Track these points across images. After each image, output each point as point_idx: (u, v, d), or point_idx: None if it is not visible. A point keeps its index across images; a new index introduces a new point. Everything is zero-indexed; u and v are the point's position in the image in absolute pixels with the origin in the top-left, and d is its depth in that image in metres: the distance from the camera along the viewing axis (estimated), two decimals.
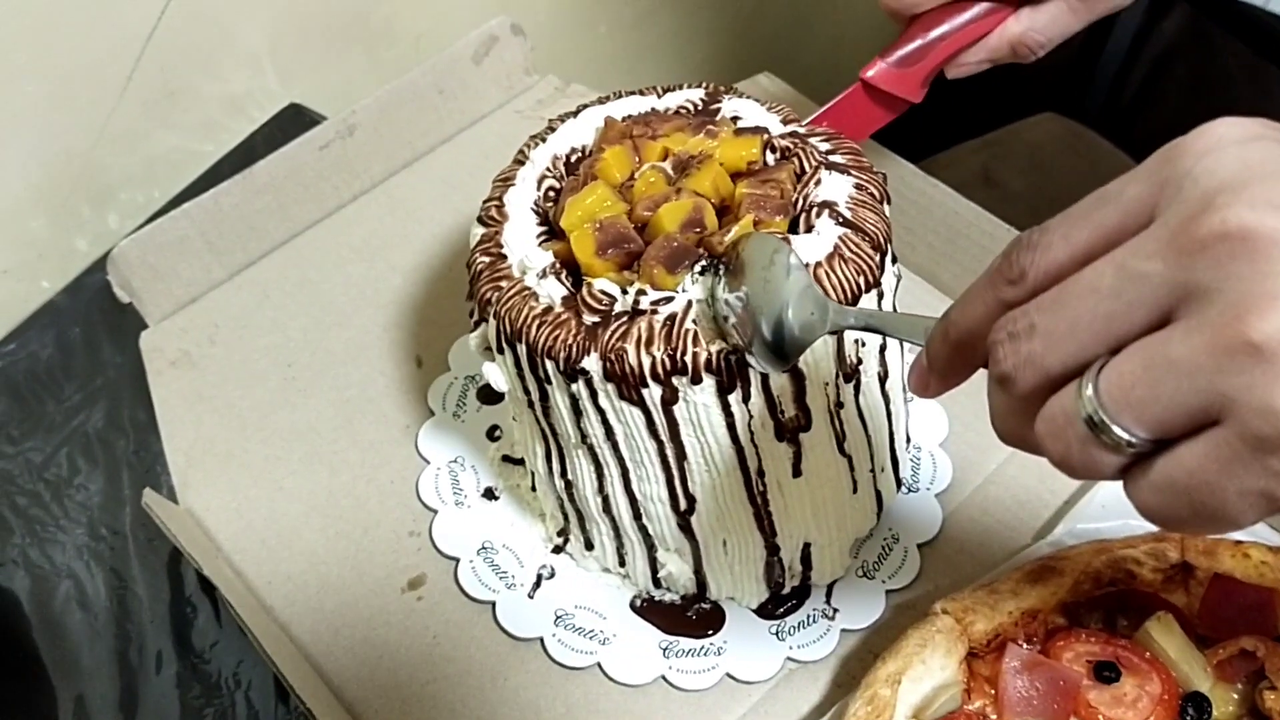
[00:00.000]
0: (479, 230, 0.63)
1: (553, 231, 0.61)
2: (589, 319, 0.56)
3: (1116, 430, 0.34)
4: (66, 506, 0.78)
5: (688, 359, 0.54)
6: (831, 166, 0.61)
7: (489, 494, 0.72)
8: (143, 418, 0.81)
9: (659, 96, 0.68)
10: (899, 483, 0.68)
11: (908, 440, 0.70)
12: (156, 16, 0.89)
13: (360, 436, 0.76)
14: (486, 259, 0.61)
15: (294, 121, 0.99)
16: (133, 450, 0.81)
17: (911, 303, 0.76)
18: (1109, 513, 0.65)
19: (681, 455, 0.58)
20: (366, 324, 0.82)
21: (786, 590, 0.65)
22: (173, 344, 0.82)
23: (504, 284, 0.59)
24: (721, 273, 0.54)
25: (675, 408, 0.55)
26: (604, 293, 0.56)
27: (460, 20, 1.05)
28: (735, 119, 0.64)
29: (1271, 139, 0.34)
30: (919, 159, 1.29)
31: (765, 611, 0.65)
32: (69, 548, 0.77)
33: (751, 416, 0.56)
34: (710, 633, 0.65)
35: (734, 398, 0.55)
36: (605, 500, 0.62)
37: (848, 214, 0.58)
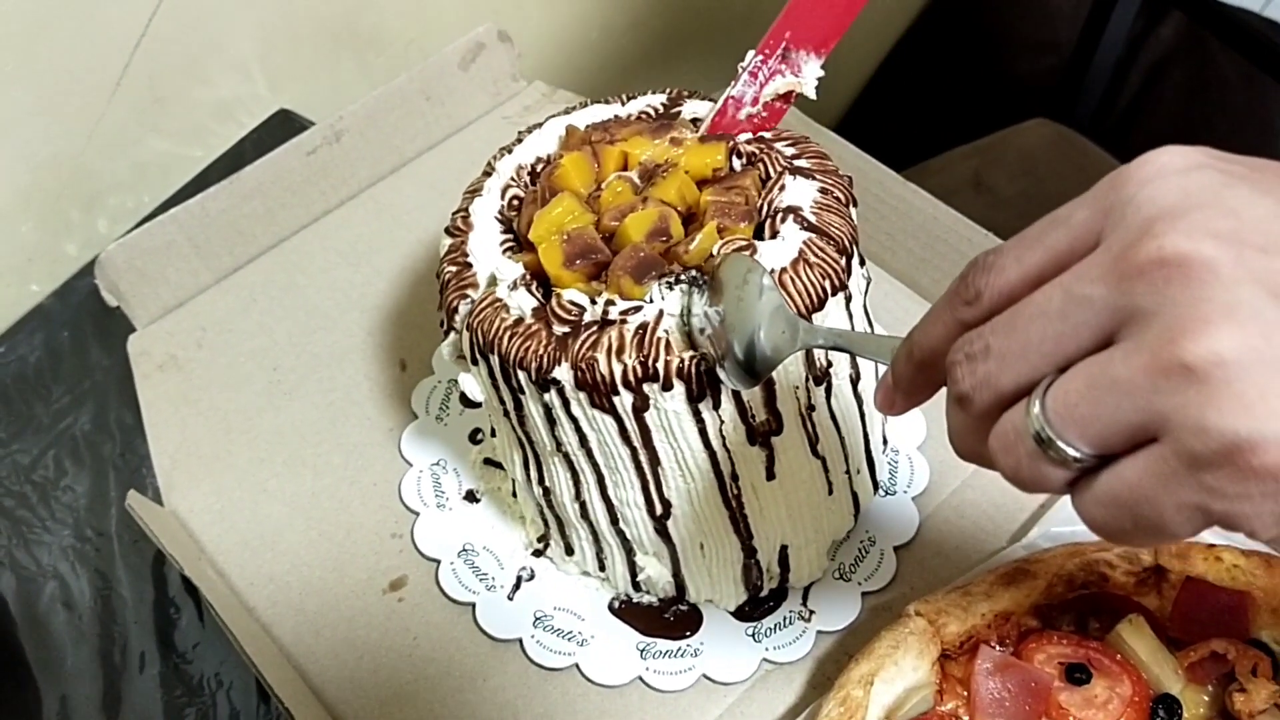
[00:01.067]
0: (446, 240, 0.64)
1: (517, 239, 0.62)
2: (559, 329, 0.56)
3: (1062, 445, 0.36)
4: (53, 508, 0.79)
5: (659, 366, 0.54)
6: (796, 171, 0.61)
7: (470, 496, 0.72)
8: (129, 420, 0.82)
9: (622, 104, 0.68)
10: (876, 485, 0.69)
11: (885, 443, 0.70)
12: (145, 22, 0.90)
13: (344, 439, 0.76)
14: (453, 268, 0.61)
15: (283, 127, 0.99)
16: (119, 452, 0.81)
17: (891, 307, 0.77)
18: None
19: (655, 461, 0.58)
20: (352, 328, 0.82)
21: (765, 593, 0.66)
22: (160, 347, 0.83)
23: (470, 292, 0.60)
24: (699, 288, 0.55)
25: (647, 415, 0.56)
26: (573, 303, 0.56)
27: (450, 26, 1.05)
28: (695, 120, 0.65)
29: (1212, 168, 0.36)
30: (911, 164, 1.29)
31: (742, 613, 0.66)
32: (55, 549, 0.77)
33: (723, 422, 0.56)
34: (688, 634, 0.65)
35: (705, 404, 0.55)
36: (583, 507, 0.62)
37: (812, 218, 0.58)
